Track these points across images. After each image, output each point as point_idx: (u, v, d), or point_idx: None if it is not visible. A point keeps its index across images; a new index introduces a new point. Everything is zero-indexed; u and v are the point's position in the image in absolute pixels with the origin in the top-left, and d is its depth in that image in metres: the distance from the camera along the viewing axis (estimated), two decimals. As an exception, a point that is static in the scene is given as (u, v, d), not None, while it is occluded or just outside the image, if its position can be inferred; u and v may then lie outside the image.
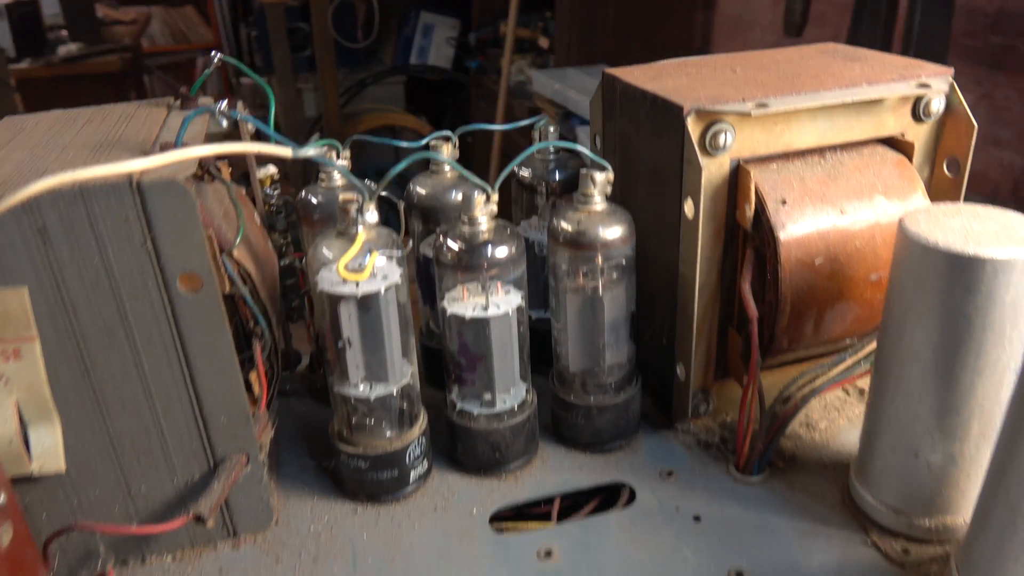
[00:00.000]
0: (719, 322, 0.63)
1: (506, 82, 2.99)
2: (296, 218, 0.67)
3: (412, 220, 0.68)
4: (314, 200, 0.65)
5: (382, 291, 0.54)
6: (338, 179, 0.65)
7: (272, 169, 0.68)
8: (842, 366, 0.61)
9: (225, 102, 0.51)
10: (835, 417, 0.67)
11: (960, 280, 0.46)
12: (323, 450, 0.66)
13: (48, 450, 0.51)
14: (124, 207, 0.46)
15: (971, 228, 0.48)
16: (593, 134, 0.71)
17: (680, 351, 0.63)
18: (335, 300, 0.54)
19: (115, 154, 0.50)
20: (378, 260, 0.53)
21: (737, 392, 0.67)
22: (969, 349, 0.48)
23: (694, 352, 0.61)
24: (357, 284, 0.53)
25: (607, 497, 0.63)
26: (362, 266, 0.53)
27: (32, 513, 0.52)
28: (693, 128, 0.55)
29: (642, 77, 0.63)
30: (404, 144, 0.62)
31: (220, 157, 0.51)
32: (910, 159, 0.60)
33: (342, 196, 0.53)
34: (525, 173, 0.69)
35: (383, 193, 0.74)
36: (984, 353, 0.48)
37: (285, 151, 0.45)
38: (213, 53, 0.61)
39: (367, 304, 0.54)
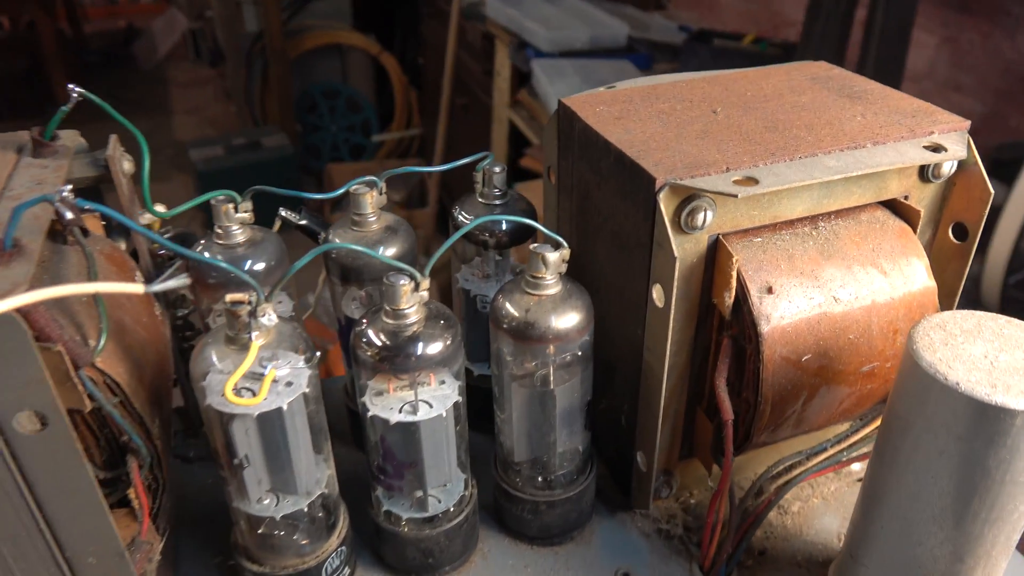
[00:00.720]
0: (686, 401, 0.55)
1: (458, 2, 2.80)
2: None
3: (331, 276, 0.58)
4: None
5: (285, 406, 0.44)
6: (239, 235, 0.54)
7: (149, 217, 0.56)
8: (822, 456, 0.54)
9: (68, 188, 0.40)
10: (808, 496, 0.61)
11: (983, 430, 0.38)
12: (229, 540, 0.58)
13: None
14: (-72, 347, 0.35)
15: (996, 360, 0.39)
16: (546, 166, 0.60)
17: (642, 440, 0.55)
18: (227, 416, 0.44)
19: (-74, 253, 0.39)
20: (280, 372, 0.43)
21: (703, 471, 0.60)
22: (984, 500, 0.40)
23: (658, 441, 0.53)
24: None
25: (556, 595, 0.56)
26: (258, 378, 0.43)
27: None
28: (666, 204, 0.45)
29: (605, 116, 0.53)
30: (316, 195, 0.51)
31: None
32: (914, 228, 0.51)
33: (229, 296, 0.42)
34: (465, 219, 0.58)
35: (302, 222, 0.63)
36: (1000, 504, 0.40)
37: (136, 288, 0.34)
38: (71, 87, 0.48)
39: (268, 419, 0.45)
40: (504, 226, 0.58)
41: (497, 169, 0.57)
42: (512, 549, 0.57)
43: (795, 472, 0.54)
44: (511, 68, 2.49)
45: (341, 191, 0.53)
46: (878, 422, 0.53)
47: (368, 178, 0.54)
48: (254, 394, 0.43)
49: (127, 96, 4.18)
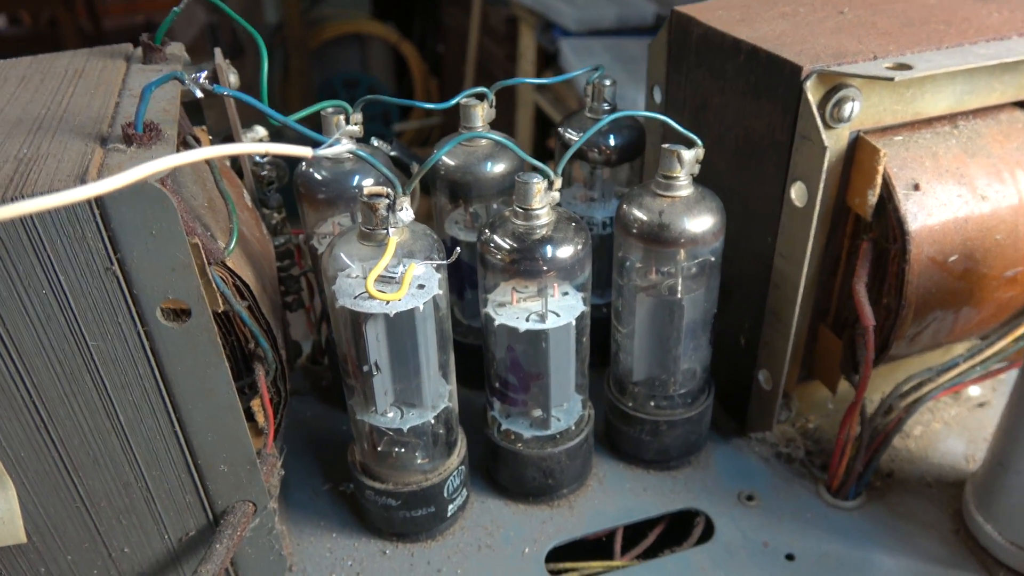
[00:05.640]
0: (810, 317, 0.53)
1: (482, -12, 2.78)
2: (295, 195, 0.55)
3: (437, 194, 0.56)
4: (318, 175, 0.52)
5: (420, 307, 0.42)
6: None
7: (262, 132, 0.55)
8: (954, 372, 0.52)
9: (205, 73, 0.38)
10: (929, 421, 0.59)
11: None
12: (337, 467, 0.56)
13: (1, 519, 0.40)
14: (79, 222, 0.33)
15: None
16: (651, 84, 0.58)
17: (766, 357, 0.53)
18: (360, 318, 0.42)
19: (61, 140, 0.37)
20: (416, 270, 0.42)
21: (821, 393, 0.58)
22: None
23: (788, 356, 0.51)
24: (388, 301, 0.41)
25: (674, 521, 0.54)
26: (396, 279, 0.41)
27: (-11, 591, 0.42)
28: (813, 94, 0.43)
29: (727, 19, 0.51)
30: (429, 105, 0.50)
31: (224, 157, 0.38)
32: (1056, 127, 0.49)
33: (368, 189, 0.41)
34: (572, 135, 0.56)
35: (392, 153, 0.61)
36: None
37: (304, 151, 0.32)
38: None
39: (400, 323, 0.43)
40: (612, 141, 0.56)
41: (607, 82, 0.55)
42: (628, 473, 0.55)
43: (925, 389, 0.51)
44: (536, 51, 2.46)
45: (453, 101, 0.52)
46: (1015, 334, 0.51)
47: (478, 89, 0.53)
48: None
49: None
